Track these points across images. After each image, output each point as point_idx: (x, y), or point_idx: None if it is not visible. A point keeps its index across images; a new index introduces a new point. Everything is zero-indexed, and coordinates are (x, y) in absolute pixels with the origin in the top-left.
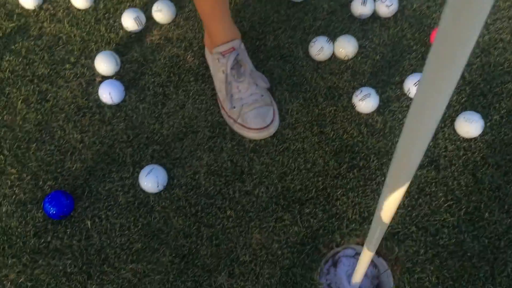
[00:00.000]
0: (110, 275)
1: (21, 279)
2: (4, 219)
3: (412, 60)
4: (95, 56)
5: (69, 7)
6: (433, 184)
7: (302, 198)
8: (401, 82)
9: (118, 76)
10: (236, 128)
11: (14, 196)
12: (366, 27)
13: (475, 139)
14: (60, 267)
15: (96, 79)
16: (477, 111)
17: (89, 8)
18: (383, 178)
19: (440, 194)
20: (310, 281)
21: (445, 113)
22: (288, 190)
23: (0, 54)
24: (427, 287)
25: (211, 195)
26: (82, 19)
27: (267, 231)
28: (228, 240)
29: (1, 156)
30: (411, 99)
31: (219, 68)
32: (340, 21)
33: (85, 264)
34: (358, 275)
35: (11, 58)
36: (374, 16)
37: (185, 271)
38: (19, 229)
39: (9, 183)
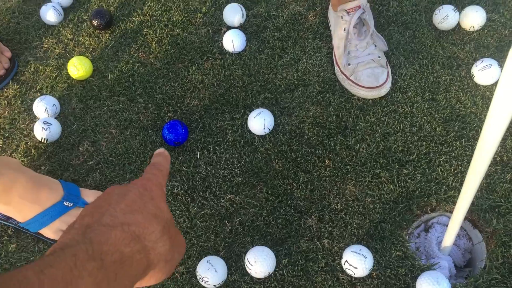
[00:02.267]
0: (210, 201)
1: None
2: (128, 139)
3: None
4: (224, 7)
5: None
6: None
7: (403, 159)
8: None
9: (242, 27)
10: (347, 84)
11: (138, 122)
12: (499, 1)
13: None
14: (169, 188)
15: (222, 29)
16: None
17: None
18: None
19: None
20: (398, 238)
21: None
22: (389, 149)
23: (143, 0)
24: None
25: (313, 145)
26: None
27: (362, 185)
28: (322, 188)
29: (133, 86)
30: None
31: (341, 26)
32: None
33: (190, 188)
34: (449, 239)
35: (152, 4)
36: None
37: (278, 208)
38: (139, 150)
39: (136, 110)
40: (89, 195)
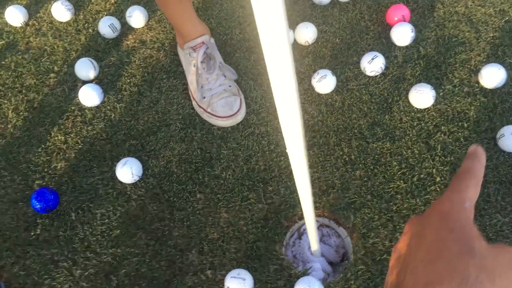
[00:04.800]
0: (92, 260)
1: (15, 269)
2: None
3: (369, 40)
4: (75, 63)
5: (52, 21)
6: (388, 154)
7: (266, 177)
8: (359, 62)
9: (97, 80)
10: (206, 117)
11: (7, 196)
12: (327, 13)
13: (428, 109)
14: (49, 256)
15: (77, 85)
16: (431, 83)
17: (70, 20)
18: (341, 153)
19: (395, 163)
20: (273, 253)
21: (399, 87)
22: (253, 171)
23: None
24: (381, 250)
25: (183, 181)
26: (64, 30)
27: (233, 210)
28: (198, 221)
29: None
30: (367, 76)
31: (190, 62)
32: (302, 10)
33: (70, 252)
34: (313, 243)
35: (2, 72)
36: (334, 1)
37: (159, 251)
38: (12, 225)
39: (2, 185)
40: None
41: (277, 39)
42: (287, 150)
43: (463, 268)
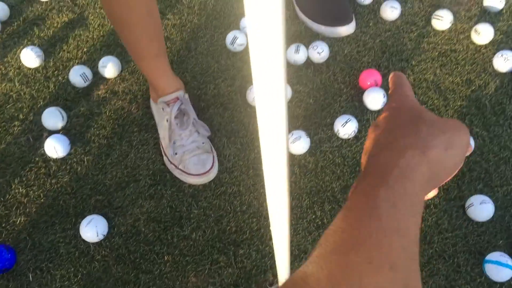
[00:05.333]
0: None
1: None
2: None
3: (342, 103)
4: (43, 111)
5: (20, 66)
6: None
7: (237, 240)
8: (332, 123)
9: (64, 130)
10: (177, 173)
11: None
12: (301, 73)
13: None
14: None
15: (43, 134)
16: None
17: (39, 66)
18: (314, 216)
19: None
20: None
21: None
22: (224, 232)
23: None
24: None
25: (150, 242)
26: (32, 77)
27: (203, 274)
28: (165, 285)
29: None
30: (341, 139)
31: (163, 117)
32: None
33: None
34: None
35: None
36: (308, 62)
37: None
38: None
39: None
40: None
41: (274, 99)
42: (271, 228)
43: (415, 128)
